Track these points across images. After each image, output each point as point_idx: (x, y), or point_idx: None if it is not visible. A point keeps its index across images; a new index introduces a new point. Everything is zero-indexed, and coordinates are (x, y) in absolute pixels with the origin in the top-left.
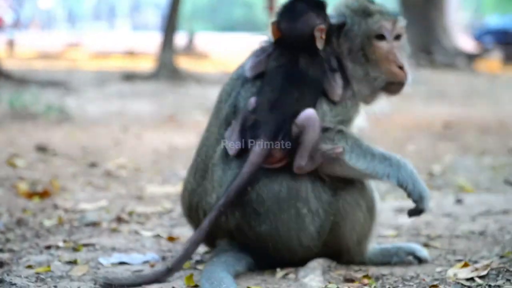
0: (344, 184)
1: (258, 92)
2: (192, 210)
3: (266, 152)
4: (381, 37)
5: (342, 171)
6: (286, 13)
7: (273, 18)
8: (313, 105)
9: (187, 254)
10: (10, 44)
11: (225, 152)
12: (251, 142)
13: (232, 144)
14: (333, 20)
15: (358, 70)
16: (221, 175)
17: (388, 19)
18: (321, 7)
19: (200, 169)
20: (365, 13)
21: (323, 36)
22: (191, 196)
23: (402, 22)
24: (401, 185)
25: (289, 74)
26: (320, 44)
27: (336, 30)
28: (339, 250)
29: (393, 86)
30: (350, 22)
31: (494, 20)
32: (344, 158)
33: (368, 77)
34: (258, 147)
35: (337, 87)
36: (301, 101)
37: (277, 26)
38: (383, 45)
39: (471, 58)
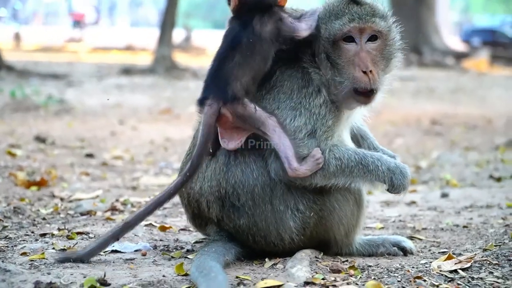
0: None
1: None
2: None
3: (215, 111)
4: (350, 39)
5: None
6: None
7: None
8: (257, 68)
9: (146, 212)
10: (17, 37)
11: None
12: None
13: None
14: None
15: (326, 74)
16: (204, 168)
17: (359, 21)
18: None
19: (191, 153)
20: (335, 14)
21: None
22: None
23: (380, 24)
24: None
25: (235, 39)
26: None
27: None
28: (327, 242)
29: (360, 93)
30: (321, 24)
31: (482, 20)
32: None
33: (334, 82)
34: (207, 108)
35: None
36: (243, 64)
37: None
38: (350, 47)
39: (459, 57)
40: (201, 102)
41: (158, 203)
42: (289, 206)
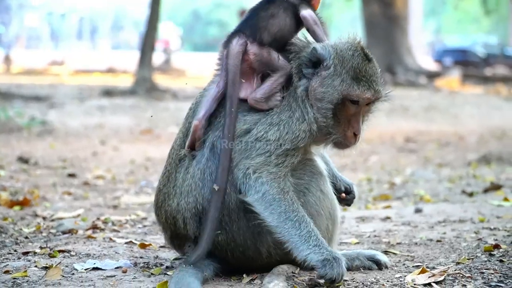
0: (304, 196)
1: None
2: (158, 208)
3: (242, 49)
4: (356, 102)
5: None
6: None
7: None
8: (283, 29)
9: (212, 230)
10: (7, 60)
11: (186, 160)
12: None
13: (220, 86)
14: (318, 51)
15: (321, 118)
16: (181, 183)
17: (374, 93)
18: None
19: (168, 171)
20: (354, 73)
21: None
22: (158, 194)
23: (382, 93)
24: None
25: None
26: None
27: (312, 62)
28: None
29: (340, 144)
30: (333, 70)
31: (454, 40)
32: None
33: (327, 129)
34: (235, 45)
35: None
36: (276, 17)
37: None
38: (352, 108)
39: (431, 76)
40: (228, 41)
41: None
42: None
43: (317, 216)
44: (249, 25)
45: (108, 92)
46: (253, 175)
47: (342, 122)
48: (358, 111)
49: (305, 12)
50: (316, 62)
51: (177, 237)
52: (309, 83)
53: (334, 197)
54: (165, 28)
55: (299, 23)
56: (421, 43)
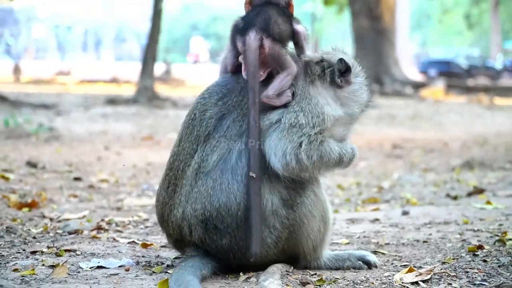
0: (299, 198)
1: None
2: (164, 221)
3: (259, 40)
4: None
5: None
6: None
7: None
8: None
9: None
10: (17, 69)
11: (195, 169)
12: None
13: (229, 61)
14: (344, 59)
15: (351, 115)
16: (189, 190)
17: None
18: None
19: (172, 183)
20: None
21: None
22: (163, 208)
23: None
24: None
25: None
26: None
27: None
28: (297, 256)
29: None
30: (362, 79)
31: (438, 52)
32: None
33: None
34: (250, 37)
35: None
36: (279, 14)
37: (250, 2)
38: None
39: (417, 86)
40: (244, 30)
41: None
42: (267, 225)
43: (310, 217)
44: (263, 19)
45: (112, 101)
46: (294, 156)
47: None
48: None
49: (299, 27)
50: (344, 71)
51: (181, 242)
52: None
53: (327, 200)
54: (195, 42)
55: (292, 34)
56: (407, 55)
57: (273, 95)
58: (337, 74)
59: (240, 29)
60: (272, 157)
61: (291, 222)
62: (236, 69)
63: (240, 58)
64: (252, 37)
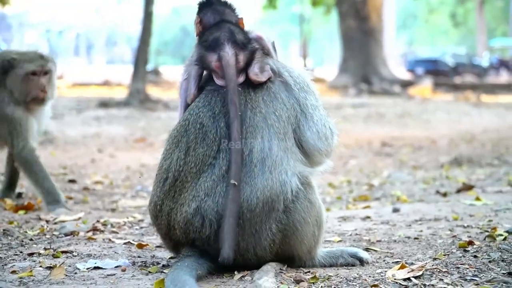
0: (292, 202)
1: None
2: (172, 227)
3: (234, 58)
4: None
5: None
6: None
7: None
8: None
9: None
10: None
11: (196, 169)
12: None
13: (192, 91)
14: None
15: None
16: (193, 191)
17: None
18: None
19: (174, 191)
20: None
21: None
22: (159, 208)
23: None
24: None
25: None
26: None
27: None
28: (291, 258)
29: None
30: None
31: (425, 51)
32: None
33: None
34: (228, 53)
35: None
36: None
37: (200, 22)
38: None
39: (405, 85)
40: (216, 47)
41: (239, 170)
42: (269, 227)
43: (304, 224)
44: (229, 34)
45: (104, 104)
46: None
47: None
48: None
49: (258, 33)
50: None
51: (180, 244)
52: None
53: (321, 204)
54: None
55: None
56: (394, 54)
57: (258, 71)
58: None
59: (211, 47)
60: (313, 141)
61: (284, 226)
62: (195, 98)
63: (215, 75)
64: (230, 53)
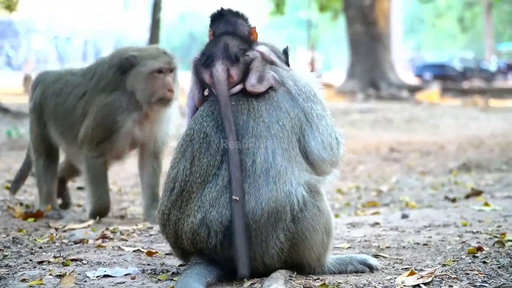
0: (300, 211)
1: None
2: (179, 237)
3: (226, 74)
4: None
5: None
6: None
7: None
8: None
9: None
10: (27, 80)
11: (201, 180)
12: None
13: (196, 95)
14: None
15: None
16: (199, 201)
17: None
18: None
19: (180, 201)
20: None
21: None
22: (167, 217)
23: None
24: None
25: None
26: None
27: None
28: (300, 265)
29: None
30: None
31: (432, 56)
32: None
33: None
34: (218, 70)
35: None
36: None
37: (213, 35)
38: None
39: (413, 90)
40: (209, 63)
41: (239, 185)
42: (276, 236)
43: (312, 232)
44: (223, 48)
45: None
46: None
47: None
48: None
49: (260, 48)
50: None
51: (189, 252)
52: None
53: (330, 211)
54: (307, 54)
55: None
56: (402, 59)
57: (255, 82)
58: None
59: (204, 63)
60: (318, 151)
61: (292, 235)
62: (202, 102)
63: (207, 90)
64: (220, 69)
